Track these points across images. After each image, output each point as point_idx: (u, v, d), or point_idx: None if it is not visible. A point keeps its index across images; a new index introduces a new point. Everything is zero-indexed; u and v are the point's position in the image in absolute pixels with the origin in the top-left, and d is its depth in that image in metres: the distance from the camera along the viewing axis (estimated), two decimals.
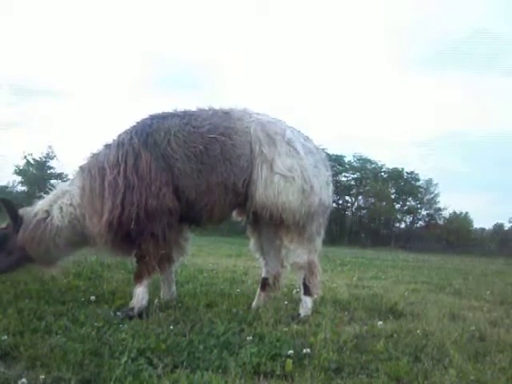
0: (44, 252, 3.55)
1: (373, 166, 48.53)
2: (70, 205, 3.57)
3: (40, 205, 3.64)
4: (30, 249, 3.51)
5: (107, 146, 3.64)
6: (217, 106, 3.79)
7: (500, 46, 72.02)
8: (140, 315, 3.35)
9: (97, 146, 3.73)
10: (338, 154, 43.68)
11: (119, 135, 3.66)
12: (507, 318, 4.31)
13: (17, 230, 3.53)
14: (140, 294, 3.45)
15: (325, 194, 3.73)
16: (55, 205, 3.59)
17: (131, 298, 3.49)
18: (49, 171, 37.96)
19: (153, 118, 3.68)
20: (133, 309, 3.39)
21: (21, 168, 37.75)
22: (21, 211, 3.62)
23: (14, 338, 2.52)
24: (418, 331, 3.40)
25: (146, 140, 3.49)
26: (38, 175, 35.18)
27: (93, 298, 3.75)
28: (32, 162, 36.90)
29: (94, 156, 3.66)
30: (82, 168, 3.67)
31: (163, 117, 3.66)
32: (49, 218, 3.54)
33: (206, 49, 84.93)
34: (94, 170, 3.53)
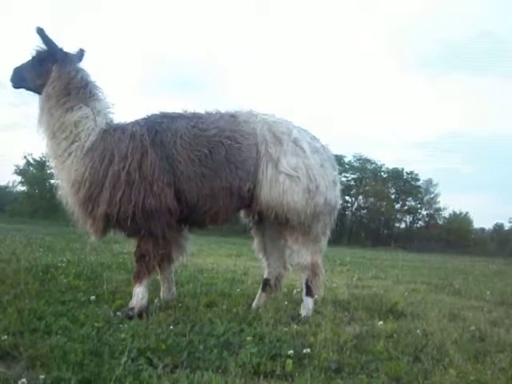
0: None
1: (373, 166, 48.52)
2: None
3: None
4: None
5: (125, 129, 3.54)
6: (223, 109, 3.76)
7: (501, 48, 72.18)
8: (140, 315, 3.35)
9: None
10: (338, 154, 43.66)
11: (134, 124, 3.60)
12: (507, 318, 4.31)
13: None
14: (140, 294, 3.45)
15: (331, 194, 3.69)
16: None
17: (131, 298, 3.49)
18: (49, 171, 37.87)
19: (163, 116, 3.67)
20: (133, 309, 3.39)
21: (21, 168, 37.69)
22: None
23: (14, 338, 2.52)
24: (418, 331, 3.40)
25: (154, 138, 3.48)
26: (38, 175, 35.08)
27: (93, 297, 3.75)
28: (32, 162, 36.82)
29: (118, 129, 3.56)
30: (105, 132, 3.53)
31: (172, 117, 3.64)
32: None
33: (207, 49, 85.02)
34: (106, 151, 3.44)
